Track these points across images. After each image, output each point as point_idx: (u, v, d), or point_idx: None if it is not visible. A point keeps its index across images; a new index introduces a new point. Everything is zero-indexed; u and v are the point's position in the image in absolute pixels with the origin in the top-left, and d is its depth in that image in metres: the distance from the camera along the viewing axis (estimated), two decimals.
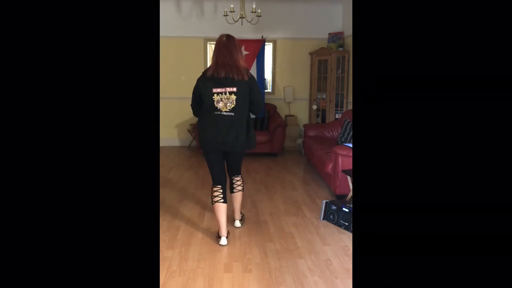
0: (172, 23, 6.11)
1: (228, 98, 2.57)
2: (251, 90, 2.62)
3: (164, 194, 3.97)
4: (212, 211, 3.43)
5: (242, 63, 2.62)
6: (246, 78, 2.59)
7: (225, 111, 2.58)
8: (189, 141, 6.48)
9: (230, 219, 3.21)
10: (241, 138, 2.66)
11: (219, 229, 2.87)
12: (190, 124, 6.27)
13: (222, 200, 2.78)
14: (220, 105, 2.58)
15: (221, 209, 2.78)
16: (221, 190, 2.81)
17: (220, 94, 2.57)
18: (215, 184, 2.83)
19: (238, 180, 3.00)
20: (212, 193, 2.83)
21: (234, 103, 2.58)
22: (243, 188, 3.04)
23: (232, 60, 2.56)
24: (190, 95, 2.74)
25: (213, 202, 2.81)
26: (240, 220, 3.15)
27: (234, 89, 2.56)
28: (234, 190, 3.01)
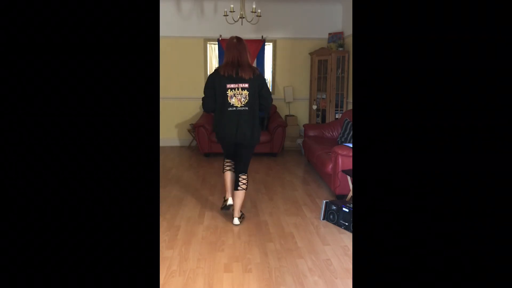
0: (172, 23, 6.11)
1: (241, 94, 2.90)
2: (259, 85, 2.95)
3: (164, 194, 3.98)
4: (213, 211, 3.51)
5: (250, 62, 2.97)
6: (255, 75, 2.92)
7: (240, 106, 2.92)
8: (189, 141, 6.48)
9: (231, 217, 3.31)
10: (256, 132, 3.02)
11: (225, 195, 3.35)
12: (190, 124, 6.27)
13: (232, 169, 3.27)
14: (233, 100, 2.91)
15: (230, 176, 3.28)
16: (231, 162, 3.27)
17: (233, 90, 2.90)
18: (227, 158, 3.29)
19: (243, 179, 3.17)
20: (224, 164, 3.31)
21: (247, 98, 2.92)
22: (246, 187, 3.20)
23: (242, 59, 2.90)
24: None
25: (224, 171, 3.31)
26: (239, 218, 3.22)
27: (246, 85, 2.90)
28: (239, 188, 3.15)
